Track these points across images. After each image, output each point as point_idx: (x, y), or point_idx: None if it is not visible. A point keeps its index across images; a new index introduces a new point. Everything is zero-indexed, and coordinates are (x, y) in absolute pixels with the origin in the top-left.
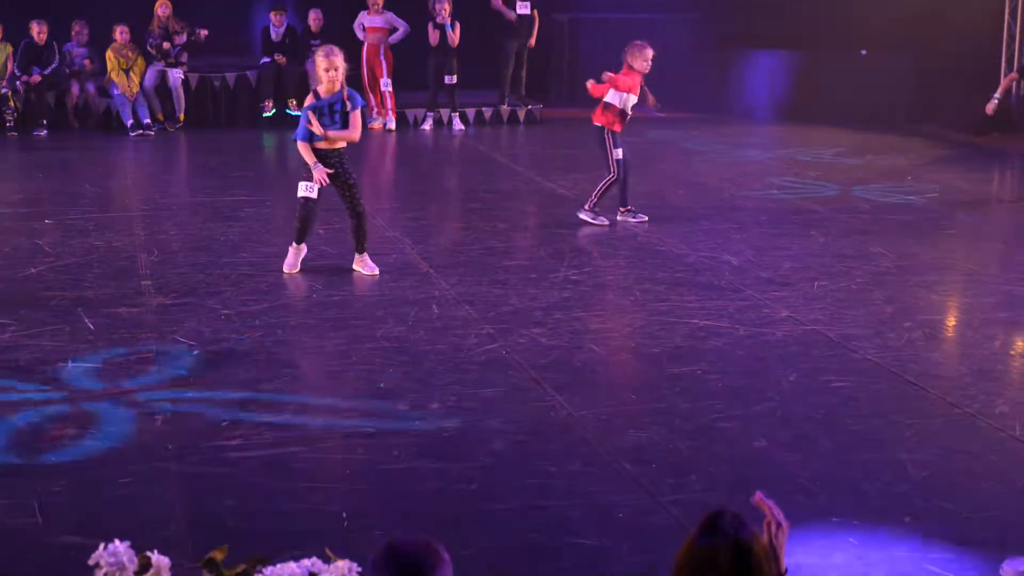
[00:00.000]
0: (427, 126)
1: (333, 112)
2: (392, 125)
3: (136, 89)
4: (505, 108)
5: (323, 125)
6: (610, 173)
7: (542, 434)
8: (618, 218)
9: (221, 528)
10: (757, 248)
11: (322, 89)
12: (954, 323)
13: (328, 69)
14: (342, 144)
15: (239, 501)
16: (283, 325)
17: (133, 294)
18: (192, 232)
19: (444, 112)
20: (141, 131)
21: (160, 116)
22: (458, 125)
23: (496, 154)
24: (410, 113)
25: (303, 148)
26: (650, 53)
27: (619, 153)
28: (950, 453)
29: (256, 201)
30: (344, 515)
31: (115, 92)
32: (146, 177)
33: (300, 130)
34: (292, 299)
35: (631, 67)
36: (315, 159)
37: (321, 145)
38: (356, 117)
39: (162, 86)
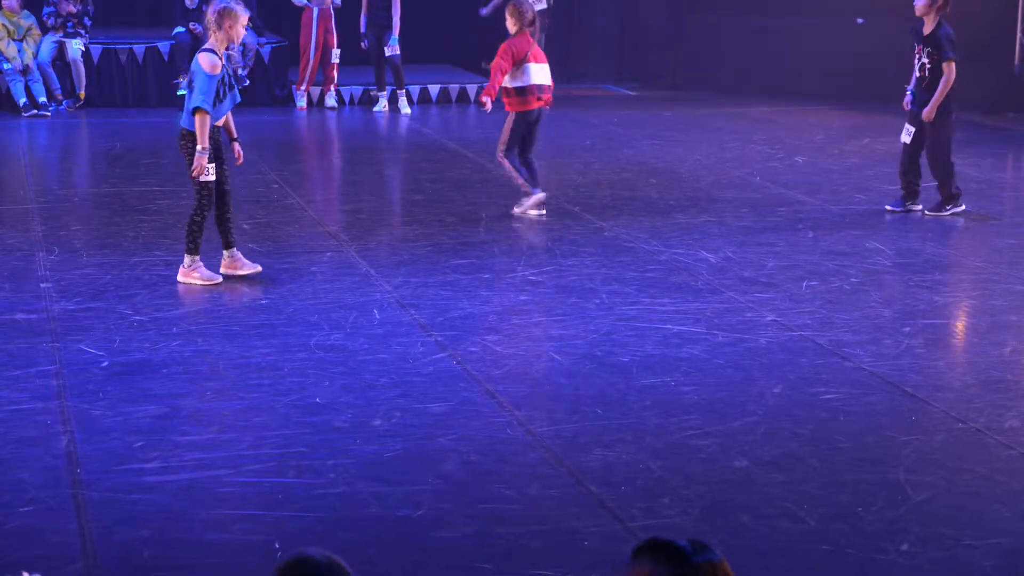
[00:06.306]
0: (383, 107)
1: (234, 83)
2: (335, 102)
3: (30, 62)
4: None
5: (229, 97)
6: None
7: (497, 454)
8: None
9: (136, 561)
10: (738, 244)
11: (219, 48)
12: (959, 328)
13: (244, 25)
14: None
15: (155, 531)
16: (204, 333)
17: (31, 298)
18: (97, 227)
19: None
20: (36, 111)
21: (58, 94)
22: (383, 105)
23: (444, 138)
24: (345, 91)
25: (203, 122)
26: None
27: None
28: (953, 473)
29: (170, 192)
30: (276, 546)
31: (5, 66)
32: (43, 164)
33: (206, 97)
34: (214, 304)
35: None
36: (206, 143)
37: (219, 122)
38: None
39: (60, 59)
